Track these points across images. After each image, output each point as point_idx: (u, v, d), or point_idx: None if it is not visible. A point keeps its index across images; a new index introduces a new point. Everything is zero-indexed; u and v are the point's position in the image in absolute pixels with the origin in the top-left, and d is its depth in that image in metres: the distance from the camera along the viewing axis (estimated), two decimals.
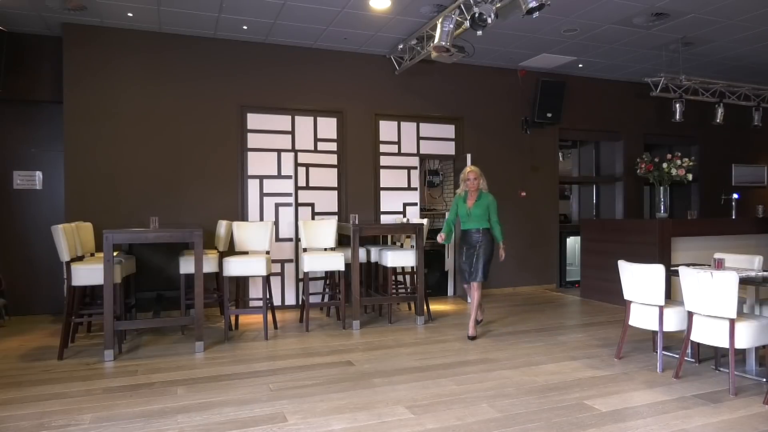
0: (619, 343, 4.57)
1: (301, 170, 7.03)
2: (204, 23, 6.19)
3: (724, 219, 7.83)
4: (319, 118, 7.18)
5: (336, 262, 5.74)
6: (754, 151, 10.06)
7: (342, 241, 6.38)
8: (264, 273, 5.29)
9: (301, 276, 6.90)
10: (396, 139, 7.58)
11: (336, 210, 7.25)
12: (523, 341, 5.14)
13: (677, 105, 7.73)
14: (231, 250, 5.78)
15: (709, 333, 3.82)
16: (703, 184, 9.54)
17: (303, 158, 7.05)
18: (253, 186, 6.87)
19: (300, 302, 6.41)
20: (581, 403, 3.50)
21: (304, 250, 5.95)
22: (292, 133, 7.06)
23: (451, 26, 5.30)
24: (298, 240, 6.75)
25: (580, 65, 7.95)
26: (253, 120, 6.88)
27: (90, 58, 6.19)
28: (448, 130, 7.89)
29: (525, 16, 4.70)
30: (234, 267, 5.28)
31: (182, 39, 6.52)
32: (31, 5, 5.57)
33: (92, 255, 5.47)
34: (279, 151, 6.98)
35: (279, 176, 6.96)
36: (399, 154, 7.59)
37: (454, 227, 5.64)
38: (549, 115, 8.06)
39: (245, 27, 6.31)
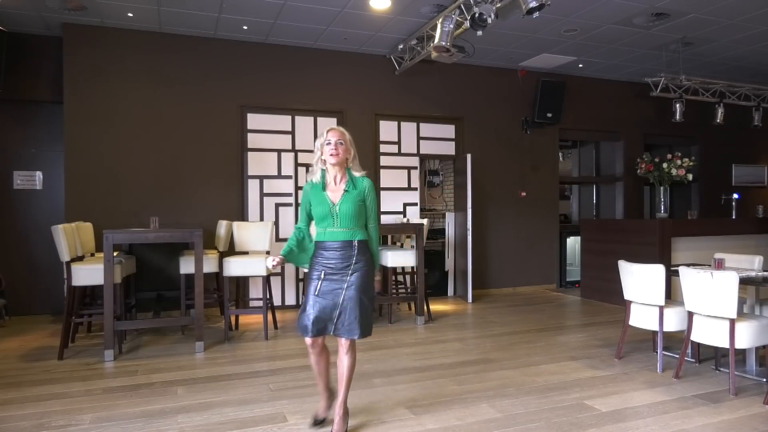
0: (619, 343, 4.57)
1: (301, 170, 7.02)
2: (204, 23, 6.19)
3: (724, 219, 7.82)
4: (319, 118, 7.18)
5: None
6: (754, 151, 10.06)
7: None
8: (264, 273, 5.29)
9: (301, 276, 6.91)
10: (396, 139, 7.59)
11: None
12: (523, 341, 5.14)
13: (677, 105, 7.72)
14: (231, 250, 5.79)
15: (710, 333, 3.82)
16: (703, 184, 9.54)
17: (303, 158, 7.04)
18: (253, 186, 6.87)
19: (300, 302, 6.41)
20: (581, 403, 3.50)
21: None
22: (292, 133, 7.05)
23: (451, 26, 5.30)
24: None
25: (580, 65, 7.95)
26: (253, 120, 6.88)
27: (90, 58, 6.19)
28: (448, 130, 7.89)
29: (525, 16, 4.70)
30: (234, 267, 5.29)
31: (182, 39, 6.51)
32: (31, 5, 5.57)
33: (92, 255, 5.48)
34: (279, 151, 6.98)
35: (279, 176, 6.96)
36: (399, 154, 7.59)
37: (306, 239, 3.08)
38: (549, 115, 8.06)
39: (245, 27, 6.31)
